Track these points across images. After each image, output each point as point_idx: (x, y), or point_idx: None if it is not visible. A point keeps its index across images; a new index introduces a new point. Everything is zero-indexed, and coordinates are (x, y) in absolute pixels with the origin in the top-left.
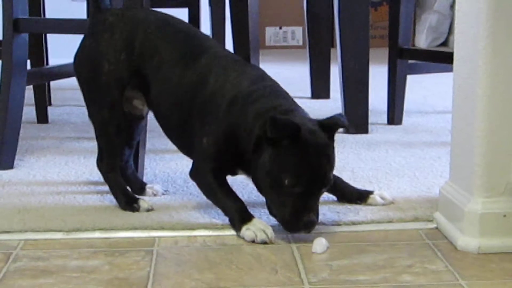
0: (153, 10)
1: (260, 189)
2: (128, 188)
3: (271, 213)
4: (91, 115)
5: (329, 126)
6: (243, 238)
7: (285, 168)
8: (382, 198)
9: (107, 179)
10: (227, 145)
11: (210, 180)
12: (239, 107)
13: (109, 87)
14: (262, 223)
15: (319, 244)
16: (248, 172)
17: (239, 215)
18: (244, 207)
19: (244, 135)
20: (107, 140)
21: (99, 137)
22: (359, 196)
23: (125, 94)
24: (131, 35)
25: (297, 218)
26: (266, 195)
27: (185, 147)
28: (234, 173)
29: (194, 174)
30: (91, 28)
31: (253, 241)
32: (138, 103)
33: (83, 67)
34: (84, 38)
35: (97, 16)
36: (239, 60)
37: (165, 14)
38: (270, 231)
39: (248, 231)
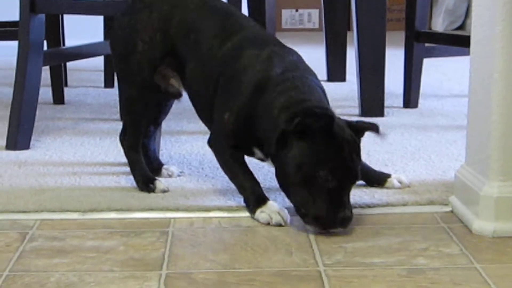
0: None
1: (285, 185)
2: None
3: (299, 212)
4: (120, 91)
5: (357, 128)
6: (257, 220)
7: (319, 161)
8: (400, 181)
9: (128, 156)
10: (245, 126)
11: (228, 155)
12: (267, 94)
13: (141, 66)
14: (277, 206)
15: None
16: (265, 154)
17: (254, 197)
18: (260, 189)
19: (267, 123)
20: (133, 118)
21: (125, 114)
22: (378, 179)
23: (161, 72)
24: (169, 15)
25: (333, 215)
26: (295, 192)
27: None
28: (251, 153)
29: (212, 144)
30: (131, 5)
31: (268, 224)
32: (175, 82)
33: (118, 44)
34: (122, 15)
35: None
36: (276, 42)
37: None
38: (285, 214)
39: (262, 213)
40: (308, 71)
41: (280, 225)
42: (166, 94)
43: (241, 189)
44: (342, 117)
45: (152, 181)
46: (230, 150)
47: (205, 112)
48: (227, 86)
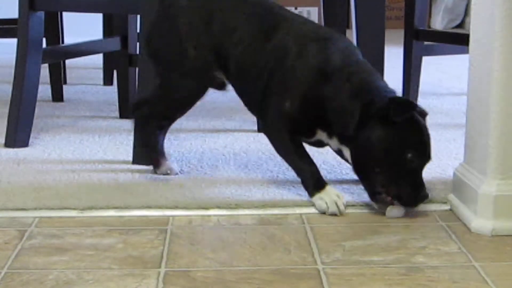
0: None
1: (365, 166)
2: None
3: (375, 194)
4: (165, 89)
5: (421, 112)
6: (313, 205)
7: (407, 144)
8: None
9: (138, 129)
10: (311, 113)
11: (286, 138)
12: (333, 82)
13: (196, 71)
14: (335, 192)
15: (398, 209)
16: (328, 135)
17: (313, 180)
18: (318, 172)
19: (339, 110)
20: (170, 105)
21: (162, 97)
22: None
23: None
24: (208, 17)
25: (417, 192)
26: (377, 175)
27: (263, 116)
28: (312, 135)
29: (268, 129)
30: (163, 11)
31: (323, 213)
32: (220, 76)
33: (164, 52)
34: (155, 22)
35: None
36: (322, 28)
37: None
38: (341, 202)
39: (320, 200)
40: (360, 55)
41: (335, 215)
42: (211, 86)
43: (300, 172)
44: None
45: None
46: (289, 135)
47: (255, 104)
48: (285, 76)
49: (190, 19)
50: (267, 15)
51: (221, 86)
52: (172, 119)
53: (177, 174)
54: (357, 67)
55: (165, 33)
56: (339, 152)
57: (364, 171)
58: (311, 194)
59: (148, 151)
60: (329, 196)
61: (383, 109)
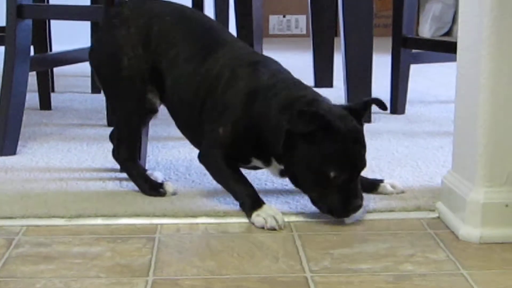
0: (169, 2)
1: (297, 183)
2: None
3: (315, 204)
4: (114, 108)
5: (356, 110)
6: (253, 224)
7: (328, 162)
8: (393, 187)
9: (127, 168)
10: (245, 137)
11: (222, 164)
12: (261, 101)
13: (131, 81)
14: (272, 209)
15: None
16: (265, 162)
17: (250, 201)
18: (255, 193)
19: (269, 128)
20: (131, 130)
21: (122, 128)
22: (370, 186)
23: (146, 85)
24: (147, 29)
25: (347, 205)
26: (308, 190)
27: (197, 140)
28: (247, 162)
29: (204, 157)
30: (106, 22)
31: (262, 228)
32: (152, 97)
33: (101, 61)
34: (99, 32)
35: (112, 10)
36: (255, 53)
37: (181, 5)
38: (280, 217)
39: (258, 217)
40: (290, 74)
41: (274, 229)
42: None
43: (237, 194)
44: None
45: (161, 185)
46: (224, 159)
47: (190, 128)
48: (217, 102)
49: (129, 29)
50: (206, 36)
51: (151, 111)
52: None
53: (162, 182)
54: (284, 83)
55: (105, 44)
56: (282, 174)
57: (297, 185)
58: (248, 214)
59: (149, 182)
60: (265, 213)
61: (295, 127)
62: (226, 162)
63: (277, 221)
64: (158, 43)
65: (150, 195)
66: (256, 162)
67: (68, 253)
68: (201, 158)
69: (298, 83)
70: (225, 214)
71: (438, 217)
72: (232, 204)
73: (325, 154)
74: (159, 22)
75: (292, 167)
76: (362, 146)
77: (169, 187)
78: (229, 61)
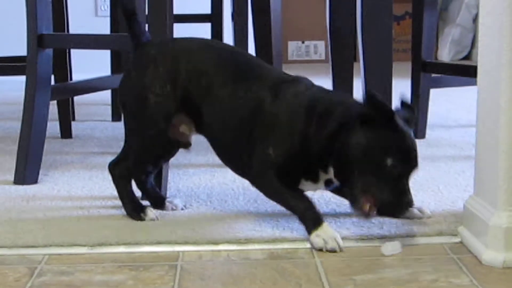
0: (194, 38)
1: (344, 179)
2: (145, 200)
3: (356, 205)
4: (130, 141)
5: (405, 118)
6: (310, 243)
7: (387, 149)
8: (421, 211)
9: (118, 184)
10: (297, 156)
11: (276, 182)
12: (317, 115)
13: (155, 119)
14: (332, 230)
15: (392, 245)
16: (313, 179)
17: (310, 217)
18: (313, 206)
19: (315, 139)
20: (138, 163)
21: (131, 157)
22: None
23: (172, 123)
24: (175, 65)
25: (400, 200)
26: (358, 179)
27: (240, 167)
28: (296, 184)
29: (258, 179)
30: (136, 61)
31: (320, 250)
32: (185, 129)
33: (129, 98)
34: (128, 71)
35: (140, 49)
36: (286, 74)
37: (204, 38)
38: (340, 240)
39: (317, 238)
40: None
41: (334, 251)
42: (177, 145)
43: (296, 209)
44: None
45: (143, 209)
46: (277, 178)
47: (235, 158)
48: (263, 123)
49: (157, 67)
50: (235, 60)
51: (183, 145)
52: (152, 169)
53: (182, 209)
54: (324, 99)
55: (132, 83)
56: (327, 183)
57: (345, 175)
58: (308, 230)
59: (134, 203)
60: (326, 234)
61: (362, 114)
62: (279, 180)
63: (338, 244)
64: (188, 75)
65: (130, 216)
66: (303, 184)
67: (91, 282)
68: (255, 179)
69: (340, 94)
70: (247, 241)
71: (461, 242)
72: (254, 231)
73: (385, 142)
74: (186, 55)
75: (344, 154)
76: (416, 145)
77: (150, 212)
78: (266, 81)
